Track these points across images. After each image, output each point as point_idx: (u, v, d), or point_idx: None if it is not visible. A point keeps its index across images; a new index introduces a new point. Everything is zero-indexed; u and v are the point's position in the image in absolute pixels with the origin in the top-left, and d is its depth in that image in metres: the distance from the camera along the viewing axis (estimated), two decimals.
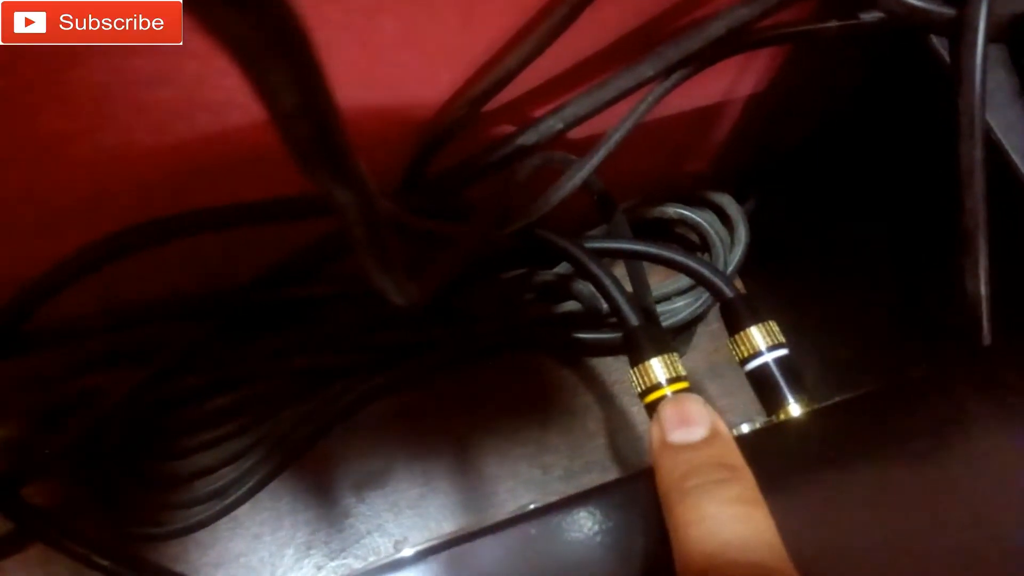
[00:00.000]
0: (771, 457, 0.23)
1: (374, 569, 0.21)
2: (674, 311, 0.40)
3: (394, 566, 0.21)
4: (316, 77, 0.09)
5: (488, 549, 0.21)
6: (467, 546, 0.21)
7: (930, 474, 0.23)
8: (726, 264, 0.40)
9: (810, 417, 0.25)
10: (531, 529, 0.21)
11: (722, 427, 0.22)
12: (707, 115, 0.38)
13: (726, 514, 0.19)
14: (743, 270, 0.45)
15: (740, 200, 0.43)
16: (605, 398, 0.42)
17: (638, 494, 0.22)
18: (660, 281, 0.42)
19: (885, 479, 0.23)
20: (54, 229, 0.26)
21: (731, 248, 0.41)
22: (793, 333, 0.42)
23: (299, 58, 0.08)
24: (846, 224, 0.38)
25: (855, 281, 0.38)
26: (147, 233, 0.25)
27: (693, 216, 0.41)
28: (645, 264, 0.37)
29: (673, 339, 0.42)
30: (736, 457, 0.21)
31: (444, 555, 0.21)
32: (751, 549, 0.18)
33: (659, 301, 0.41)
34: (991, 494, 0.23)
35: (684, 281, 0.41)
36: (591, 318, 0.40)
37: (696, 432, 0.21)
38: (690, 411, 0.22)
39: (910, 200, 0.32)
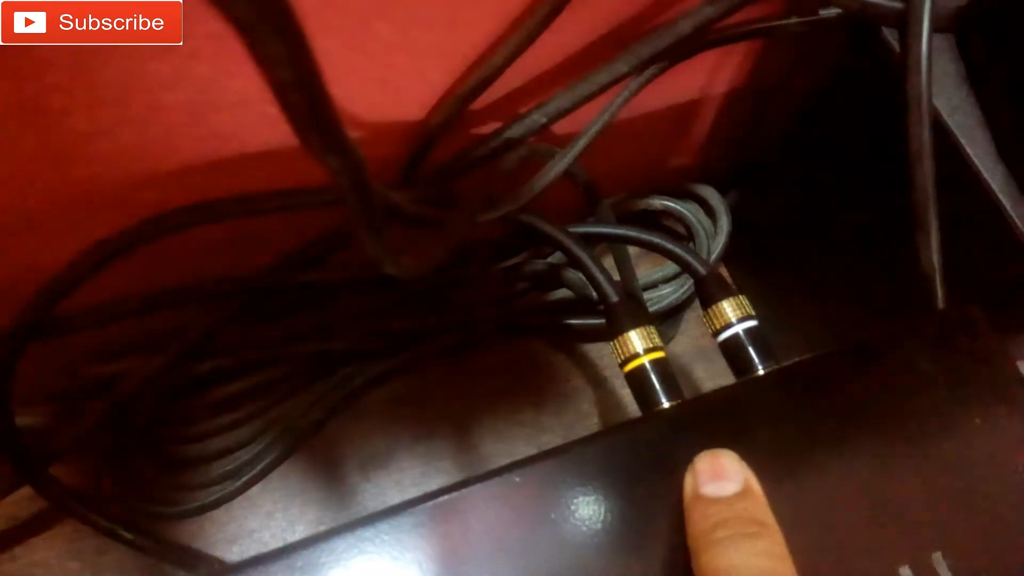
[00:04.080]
0: (729, 415, 0.25)
1: (365, 519, 0.23)
2: (661, 297, 0.42)
3: (385, 514, 0.23)
4: (306, 55, 0.11)
5: (474, 498, 0.23)
6: (454, 495, 0.23)
7: (885, 430, 0.25)
8: (709, 252, 0.42)
9: (768, 377, 0.27)
10: (515, 477, 0.23)
11: (754, 484, 0.22)
12: (688, 112, 0.40)
13: (752, 566, 0.20)
14: (729, 260, 0.47)
15: (724, 192, 0.45)
16: (597, 381, 0.44)
17: (617, 446, 0.24)
18: (648, 270, 0.44)
19: (841, 434, 0.25)
20: (79, 221, 0.29)
21: (714, 237, 0.43)
22: (776, 318, 0.45)
23: (292, 39, 0.10)
24: (823, 211, 0.40)
25: (832, 265, 0.40)
26: (166, 223, 0.28)
27: (678, 207, 0.43)
28: (634, 256, 0.40)
29: (661, 324, 0.44)
30: (766, 514, 0.22)
31: (431, 504, 0.23)
32: None
33: (647, 288, 0.43)
34: (940, 447, 0.25)
35: (670, 269, 0.43)
36: (582, 305, 0.42)
37: (729, 487, 0.22)
38: (724, 466, 0.23)
39: (877, 185, 0.34)
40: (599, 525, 0.23)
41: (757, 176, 0.44)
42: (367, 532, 0.22)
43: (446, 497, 0.23)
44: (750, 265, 0.47)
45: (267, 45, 0.10)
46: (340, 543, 0.22)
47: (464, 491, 0.23)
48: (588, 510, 0.23)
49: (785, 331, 0.44)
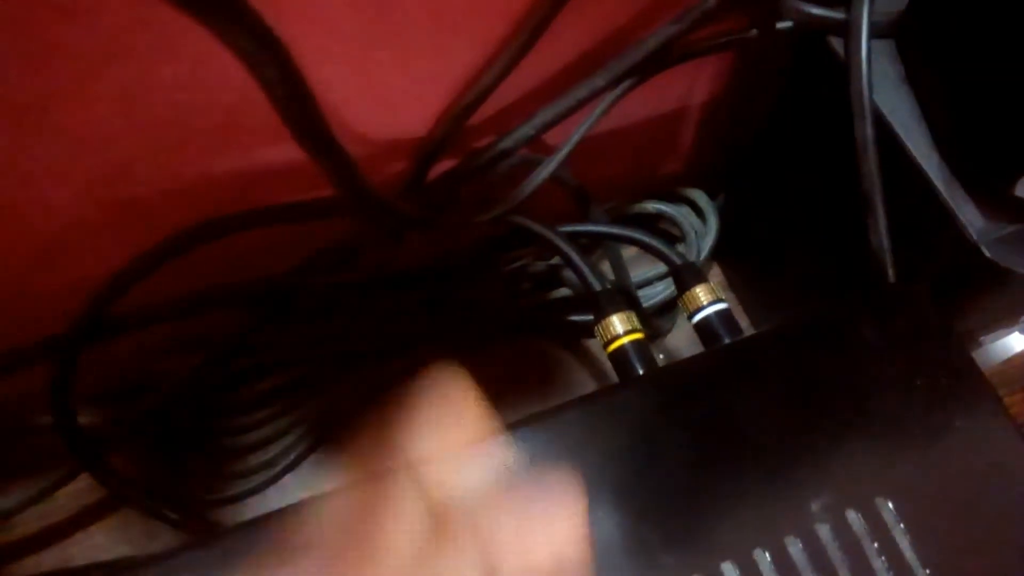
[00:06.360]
0: (695, 380, 0.28)
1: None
2: (654, 293, 0.46)
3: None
4: (296, 78, 0.15)
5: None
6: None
7: (833, 390, 0.28)
8: (699, 251, 0.45)
9: (729, 347, 0.30)
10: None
11: None
12: (671, 121, 0.44)
13: None
14: (723, 258, 0.50)
15: (715, 194, 0.48)
16: (599, 375, 0.47)
17: (592, 410, 0.27)
18: (644, 270, 0.47)
19: (791, 393, 0.28)
20: (125, 235, 0.33)
21: (704, 237, 0.46)
22: (766, 309, 0.48)
23: (284, 65, 0.14)
24: (797, 207, 0.42)
25: (812, 256, 0.43)
26: (203, 232, 0.32)
27: (669, 210, 0.47)
28: (632, 258, 0.43)
29: (658, 318, 0.47)
30: None
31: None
32: None
33: (642, 286, 0.46)
34: (884, 404, 0.28)
35: (664, 267, 0.47)
36: (582, 302, 0.45)
37: None
38: None
39: (839, 178, 0.37)
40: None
41: (742, 178, 0.47)
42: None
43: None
44: (743, 263, 0.50)
45: (265, 71, 0.14)
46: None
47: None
48: (563, 468, 0.26)
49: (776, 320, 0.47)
